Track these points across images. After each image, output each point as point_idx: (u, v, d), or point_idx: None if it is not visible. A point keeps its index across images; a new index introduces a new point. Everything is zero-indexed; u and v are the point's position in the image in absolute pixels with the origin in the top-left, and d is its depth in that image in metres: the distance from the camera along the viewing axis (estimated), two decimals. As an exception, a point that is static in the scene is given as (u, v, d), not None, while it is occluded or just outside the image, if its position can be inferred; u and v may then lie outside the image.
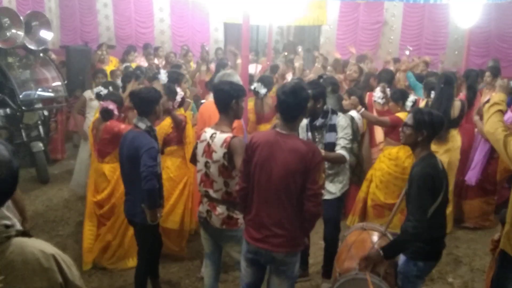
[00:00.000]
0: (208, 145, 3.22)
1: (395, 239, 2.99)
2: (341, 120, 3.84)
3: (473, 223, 5.61)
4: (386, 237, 3.39)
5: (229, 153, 3.11)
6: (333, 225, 4.10)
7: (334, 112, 3.90)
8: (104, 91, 5.07)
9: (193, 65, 8.83)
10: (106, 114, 4.42)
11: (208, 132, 3.29)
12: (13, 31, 6.41)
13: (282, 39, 13.70)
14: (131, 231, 4.36)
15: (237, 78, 4.23)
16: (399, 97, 5.03)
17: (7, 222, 1.39)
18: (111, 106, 4.42)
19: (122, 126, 4.37)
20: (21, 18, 6.46)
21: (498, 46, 11.60)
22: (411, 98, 4.96)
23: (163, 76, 5.25)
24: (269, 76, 6.27)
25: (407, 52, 7.94)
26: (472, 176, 5.40)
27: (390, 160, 5.00)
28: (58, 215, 5.69)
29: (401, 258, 3.09)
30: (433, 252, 3.03)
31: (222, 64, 7.06)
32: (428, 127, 2.94)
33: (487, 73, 6.71)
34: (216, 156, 3.17)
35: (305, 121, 3.91)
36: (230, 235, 3.31)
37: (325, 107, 3.86)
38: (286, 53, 9.88)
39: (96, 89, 5.18)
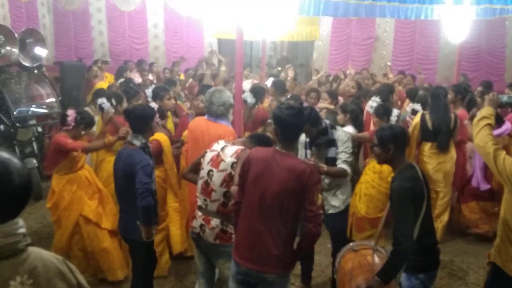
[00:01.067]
0: (218, 155, 3.25)
1: (387, 262, 2.92)
2: (340, 134, 3.87)
3: (476, 228, 5.54)
4: (380, 253, 3.37)
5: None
6: (341, 239, 4.03)
7: (333, 127, 3.93)
8: (106, 104, 5.01)
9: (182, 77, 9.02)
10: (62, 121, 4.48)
11: (220, 144, 3.34)
12: (8, 48, 6.44)
13: (276, 54, 13.83)
14: (102, 244, 4.40)
15: (227, 94, 4.23)
16: (383, 112, 5.05)
17: (24, 231, 1.49)
18: (70, 113, 4.45)
19: (69, 141, 4.33)
20: (16, 35, 6.50)
21: (488, 60, 11.79)
22: (395, 112, 4.99)
23: (149, 93, 5.33)
24: (262, 87, 6.27)
25: (389, 63, 8.04)
26: (477, 181, 5.38)
27: (374, 173, 5.00)
28: (52, 232, 5.64)
29: (402, 275, 3.02)
30: (430, 261, 3.01)
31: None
32: (392, 141, 2.96)
33: (479, 88, 6.82)
34: (223, 165, 3.19)
35: (303, 138, 3.93)
36: (223, 250, 3.29)
37: (323, 123, 3.88)
38: (279, 68, 9.97)
39: (99, 101, 5.11)
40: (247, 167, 2.85)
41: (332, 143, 3.83)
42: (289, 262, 2.86)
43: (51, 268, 1.50)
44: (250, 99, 5.50)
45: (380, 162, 3.15)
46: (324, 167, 3.73)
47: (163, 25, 13.23)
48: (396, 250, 2.80)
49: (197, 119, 4.43)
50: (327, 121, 3.97)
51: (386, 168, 4.82)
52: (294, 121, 2.78)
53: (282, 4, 7.23)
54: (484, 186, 5.31)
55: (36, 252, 1.49)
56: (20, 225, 1.48)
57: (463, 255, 5.27)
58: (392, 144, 2.96)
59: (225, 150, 3.25)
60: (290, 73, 7.83)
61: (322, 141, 3.84)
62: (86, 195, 4.51)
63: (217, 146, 3.35)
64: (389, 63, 8.01)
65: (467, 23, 8.10)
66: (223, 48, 12.99)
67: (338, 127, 4.00)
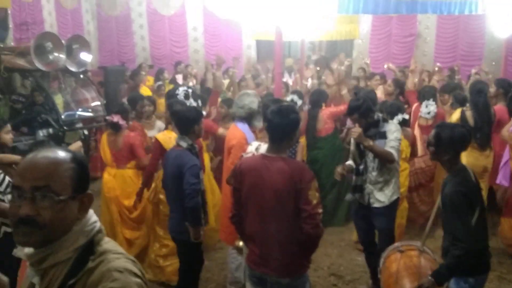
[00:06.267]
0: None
1: (445, 263, 2.87)
2: (390, 125, 3.95)
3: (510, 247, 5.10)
4: (426, 254, 3.29)
5: None
6: (386, 234, 4.03)
7: (385, 120, 3.99)
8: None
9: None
10: (113, 127, 4.78)
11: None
12: (56, 54, 6.67)
13: (314, 54, 13.72)
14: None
15: (251, 99, 4.19)
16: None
17: None
18: (116, 118, 4.72)
19: (137, 142, 4.78)
20: (63, 42, 6.73)
21: (537, 55, 11.28)
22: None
23: None
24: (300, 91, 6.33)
25: (436, 69, 7.78)
26: (502, 177, 5.06)
27: None
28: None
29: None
30: (482, 265, 2.92)
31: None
32: (449, 144, 2.87)
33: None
34: None
35: None
36: None
37: (375, 116, 3.91)
38: (318, 68, 9.88)
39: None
40: (240, 179, 2.83)
41: (383, 135, 3.86)
42: (301, 263, 2.85)
43: None
44: (298, 101, 5.57)
45: (433, 159, 3.09)
46: (369, 141, 3.74)
47: (202, 28, 13.38)
48: (454, 254, 2.75)
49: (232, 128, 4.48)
50: (380, 114, 4.00)
51: None
52: (277, 121, 2.75)
53: (321, 4, 7.18)
54: (504, 182, 4.98)
55: None
56: None
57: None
58: (448, 148, 2.88)
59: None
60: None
61: (372, 133, 3.87)
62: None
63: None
64: (438, 64, 7.70)
65: (514, 16, 7.80)
66: (262, 49, 13.03)
67: (390, 121, 4.01)
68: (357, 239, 5.19)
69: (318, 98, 5.75)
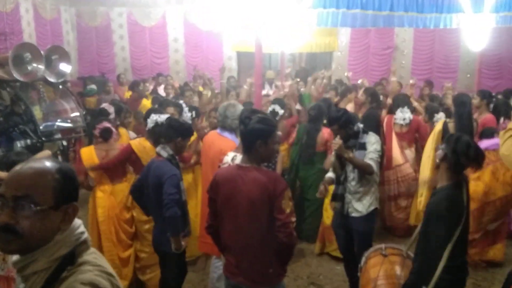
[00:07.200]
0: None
1: (407, 282, 2.88)
2: (370, 136, 3.99)
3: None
4: (409, 261, 3.24)
5: None
6: (365, 240, 4.03)
7: (365, 131, 4.02)
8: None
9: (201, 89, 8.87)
10: (106, 133, 4.62)
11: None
12: (34, 65, 6.60)
13: (295, 66, 13.89)
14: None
15: (241, 107, 4.21)
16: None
17: None
18: (108, 124, 4.67)
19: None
20: (42, 52, 6.68)
21: (510, 68, 11.66)
22: (407, 115, 4.93)
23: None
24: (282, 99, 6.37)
25: (411, 81, 7.86)
26: None
27: None
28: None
29: None
30: (457, 281, 2.92)
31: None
32: (452, 155, 2.84)
33: (499, 96, 6.79)
34: None
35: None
36: None
37: (355, 127, 3.97)
38: (298, 80, 10.01)
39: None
40: (216, 189, 2.86)
41: (362, 146, 3.92)
42: (276, 272, 2.87)
43: None
44: (280, 110, 5.58)
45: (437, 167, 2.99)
46: (350, 153, 3.80)
47: (183, 39, 13.44)
48: (411, 273, 2.79)
49: (211, 133, 4.47)
50: (361, 125, 4.05)
51: None
52: (243, 130, 2.83)
53: (300, 16, 7.30)
54: None
55: None
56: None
57: (488, 264, 5.17)
58: (451, 158, 2.84)
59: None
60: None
61: (352, 144, 3.94)
62: None
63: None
64: (411, 81, 7.77)
65: (487, 31, 8.06)
66: (243, 61, 13.13)
67: (370, 132, 4.07)
68: (319, 251, 5.39)
69: (318, 113, 5.58)
